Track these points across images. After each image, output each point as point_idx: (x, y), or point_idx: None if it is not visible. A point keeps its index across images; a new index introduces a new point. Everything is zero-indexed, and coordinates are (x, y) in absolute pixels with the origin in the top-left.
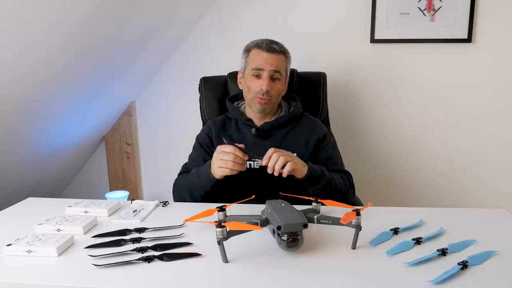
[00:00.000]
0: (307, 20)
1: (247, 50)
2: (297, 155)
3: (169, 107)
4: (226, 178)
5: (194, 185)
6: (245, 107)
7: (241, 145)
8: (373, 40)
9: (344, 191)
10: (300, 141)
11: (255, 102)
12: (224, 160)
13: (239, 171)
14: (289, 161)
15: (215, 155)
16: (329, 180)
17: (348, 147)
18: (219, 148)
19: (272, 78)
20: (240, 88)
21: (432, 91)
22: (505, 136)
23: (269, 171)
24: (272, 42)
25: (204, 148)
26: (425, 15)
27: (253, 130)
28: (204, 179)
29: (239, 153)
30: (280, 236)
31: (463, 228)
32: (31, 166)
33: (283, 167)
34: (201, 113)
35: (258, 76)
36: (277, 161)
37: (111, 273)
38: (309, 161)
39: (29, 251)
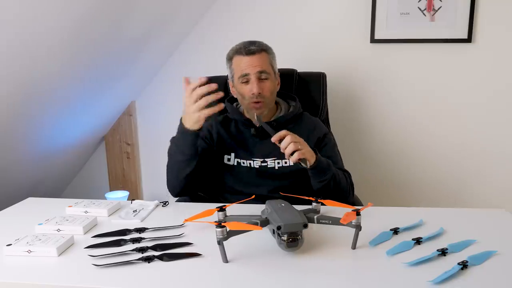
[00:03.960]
0: (307, 20)
1: (229, 58)
2: None
3: (169, 107)
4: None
5: (174, 153)
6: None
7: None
8: (373, 40)
9: (346, 189)
10: None
11: (251, 108)
12: (197, 103)
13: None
14: (298, 149)
15: (186, 107)
16: (334, 175)
17: (348, 147)
18: (185, 96)
19: (260, 79)
20: (234, 96)
21: (432, 91)
22: (505, 136)
23: (282, 151)
24: (250, 43)
25: (202, 138)
26: (425, 15)
27: (252, 130)
28: (181, 137)
29: (202, 84)
30: (280, 236)
31: (463, 228)
32: (31, 166)
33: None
34: None
35: (246, 82)
36: (287, 145)
37: (111, 273)
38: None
39: (29, 251)
